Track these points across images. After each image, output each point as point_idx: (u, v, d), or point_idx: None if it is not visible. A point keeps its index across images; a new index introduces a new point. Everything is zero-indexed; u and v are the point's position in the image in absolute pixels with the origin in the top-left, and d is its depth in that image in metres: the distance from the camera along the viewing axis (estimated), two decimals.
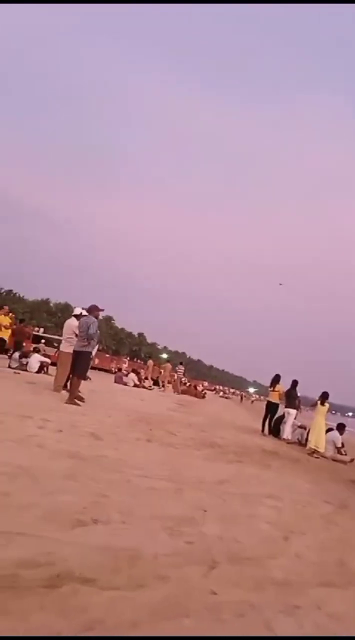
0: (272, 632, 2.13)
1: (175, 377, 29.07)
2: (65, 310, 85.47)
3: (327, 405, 11.68)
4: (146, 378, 25.70)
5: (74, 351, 9.72)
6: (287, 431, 12.75)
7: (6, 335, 14.81)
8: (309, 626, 2.27)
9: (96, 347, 10.69)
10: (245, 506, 4.27)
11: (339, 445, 11.61)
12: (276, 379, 13.73)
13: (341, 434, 12.03)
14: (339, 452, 11.46)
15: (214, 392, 71.29)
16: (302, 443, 12.29)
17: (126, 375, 23.04)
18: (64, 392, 9.97)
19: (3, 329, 14.20)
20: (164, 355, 47.59)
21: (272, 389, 13.76)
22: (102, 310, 10.03)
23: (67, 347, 10.42)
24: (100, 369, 31.62)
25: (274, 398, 13.61)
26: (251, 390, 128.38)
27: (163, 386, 26.59)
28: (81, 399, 9.21)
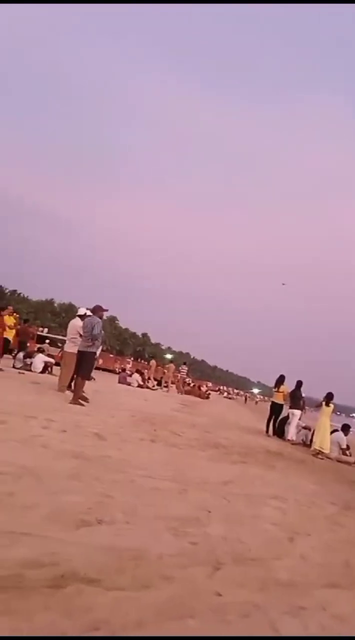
0: (278, 633, 2.12)
1: (179, 377, 29.06)
2: (69, 311, 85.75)
3: (331, 406, 11.64)
4: (149, 378, 25.70)
5: (78, 351, 9.72)
6: (291, 432, 12.72)
7: (10, 335, 14.83)
8: (314, 627, 2.26)
9: (100, 347, 10.69)
10: (249, 507, 4.26)
11: (344, 446, 11.58)
12: (281, 380, 13.69)
13: (346, 435, 12.00)
14: (344, 453, 11.43)
15: (218, 392, 71.29)
16: (306, 444, 12.26)
17: (130, 376, 23.06)
18: (68, 392, 9.98)
19: (7, 329, 14.21)
20: (168, 356, 47.60)
21: (276, 389, 13.72)
22: (107, 310, 10.03)
23: (71, 348, 10.43)
24: (104, 369, 31.70)
25: (278, 399, 13.57)
26: (255, 390, 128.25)
27: (167, 386, 26.58)
28: (85, 399, 9.22)
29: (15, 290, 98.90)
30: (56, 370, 14.91)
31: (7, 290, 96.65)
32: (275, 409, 13.57)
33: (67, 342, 11.07)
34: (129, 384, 21.46)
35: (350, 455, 11.40)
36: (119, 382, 21.72)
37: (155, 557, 2.61)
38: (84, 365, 9.58)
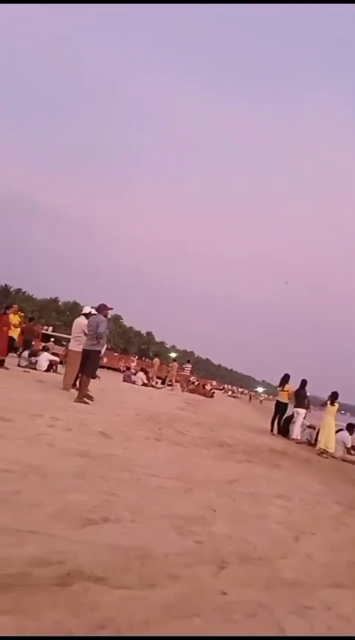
0: (283, 632, 2.12)
1: (183, 376, 29.11)
2: (73, 309, 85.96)
3: (336, 405, 11.62)
4: (152, 377, 25.72)
5: (83, 350, 9.74)
6: (296, 431, 12.71)
7: (15, 334, 14.86)
8: (319, 627, 2.26)
9: (105, 346, 10.70)
10: (254, 506, 4.26)
11: (349, 445, 11.57)
12: (285, 379, 13.68)
13: (351, 434, 11.98)
14: (349, 453, 11.42)
15: (223, 391, 71.22)
16: (311, 443, 12.24)
17: (134, 374, 23.08)
18: (73, 390, 10.01)
19: (12, 327, 14.24)
20: (172, 354, 47.60)
21: (281, 388, 13.72)
22: (111, 309, 10.05)
23: (76, 346, 10.45)
24: (108, 368, 31.73)
25: (283, 398, 13.57)
26: (260, 389, 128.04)
27: (171, 385, 26.60)
28: (90, 398, 9.24)
29: (20, 289, 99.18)
30: (61, 368, 14.95)
31: (12, 289, 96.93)
32: (280, 407, 13.57)
33: (71, 340, 11.09)
34: (134, 383, 21.49)
35: None
36: (124, 381, 21.76)
37: (161, 555, 2.61)
38: (89, 364, 9.60)
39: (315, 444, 11.56)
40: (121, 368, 33.45)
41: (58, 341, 28.13)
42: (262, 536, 3.43)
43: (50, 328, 43.36)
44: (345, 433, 11.88)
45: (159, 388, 23.42)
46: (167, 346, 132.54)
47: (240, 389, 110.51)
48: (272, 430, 13.37)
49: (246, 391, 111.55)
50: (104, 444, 5.39)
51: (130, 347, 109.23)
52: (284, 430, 13.18)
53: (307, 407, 13.06)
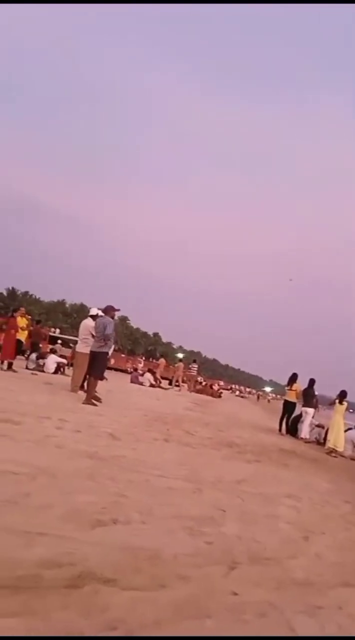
0: (294, 632, 2.12)
1: (190, 376, 29.07)
2: (80, 311, 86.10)
3: (345, 403, 11.58)
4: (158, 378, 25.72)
5: (90, 352, 9.77)
6: (304, 430, 12.68)
7: (23, 336, 14.93)
8: (330, 627, 2.25)
9: (112, 347, 10.72)
10: (264, 506, 4.25)
11: None
12: (293, 378, 13.64)
13: None
14: None
15: (230, 391, 71.15)
16: (320, 442, 12.21)
17: (142, 375, 23.09)
18: (81, 392, 10.03)
19: (20, 330, 14.31)
20: (180, 355, 47.58)
21: (289, 387, 13.68)
22: (118, 310, 10.06)
23: (83, 348, 10.48)
24: (116, 369, 31.78)
25: (291, 397, 13.53)
26: (267, 389, 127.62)
27: (177, 385, 26.59)
28: (98, 399, 9.26)
29: (27, 292, 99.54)
30: (69, 370, 15.00)
31: (19, 292, 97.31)
32: (288, 407, 13.53)
33: (79, 342, 11.12)
34: (141, 384, 21.50)
35: None
36: (131, 382, 21.77)
37: (171, 556, 2.61)
38: (96, 366, 9.62)
39: (324, 443, 11.53)
40: (128, 369, 33.48)
41: (65, 343, 28.15)
42: (271, 536, 3.42)
43: (58, 330, 43.38)
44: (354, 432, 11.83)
45: (166, 389, 23.42)
46: (174, 347, 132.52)
47: (247, 389, 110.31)
48: (280, 429, 13.34)
49: (254, 391, 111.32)
50: (113, 446, 5.40)
51: (137, 348, 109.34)
52: (293, 430, 13.15)
53: (315, 406, 13.02)
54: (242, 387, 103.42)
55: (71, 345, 24.97)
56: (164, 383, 25.71)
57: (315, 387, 13.16)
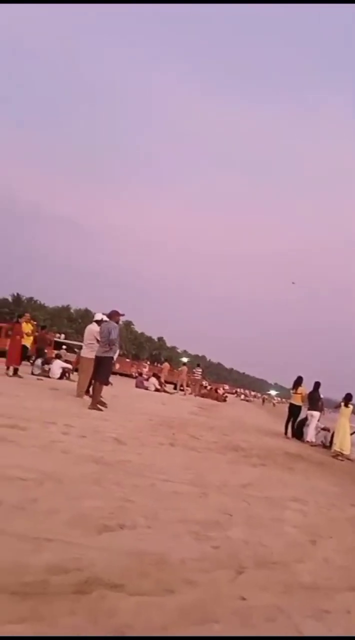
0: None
1: (194, 379, 29.05)
2: (85, 316, 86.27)
3: (351, 406, 11.55)
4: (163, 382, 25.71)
5: (96, 357, 9.77)
6: (310, 434, 12.63)
7: (28, 342, 14.97)
8: (338, 631, 2.25)
9: (117, 352, 10.74)
10: (270, 510, 4.24)
11: None
12: (298, 381, 13.61)
13: None
14: None
15: (235, 395, 71.04)
16: (326, 445, 12.16)
17: (147, 380, 23.09)
18: (86, 397, 10.04)
19: (25, 336, 14.35)
20: (184, 359, 47.57)
21: (294, 391, 13.65)
22: (123, 315, 10.08)
23: (88, 353, 10.49)
24: (121, 374, 31.78)
25: (296, 400, 13.50)
26: (273, 392, 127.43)
27: (182, 389, 26.57)
28: (103, 404, 9.27)
29: (32, 298, 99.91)
30: (74, 376, 15.01)
31: (24, 298, 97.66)
32: (294, 410, 13.49)
33: (84, 347, 11.13)
34: (146, 388, 21.50)
35: None
36: (136, 387, 21.77)
37: (178, 561, 2.61)
38: (101, 371, 9.63)
39: (330, 447, 11.48)
40: (133, 374, 33.50)
41: (70, 348, 28.19)
42: (278, 540, 3.41)
43: (63, 336, 43.50)
44: None
45: (171, 393, 23.40)
46: (179, 351, 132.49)
47: (252, 393, 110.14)
48: (286, 433, 13.30)
49: (259, 394, 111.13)
50: (118, 450, 5.41)
51: (141, 353, 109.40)
52: (298, 433, 13.11)
53: (321, 410, 12.98)
54: (247, 391, 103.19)
55: (76, 350, 25.03)
56: (169, 387, 25.69)
57: (321, 390, 13.12)
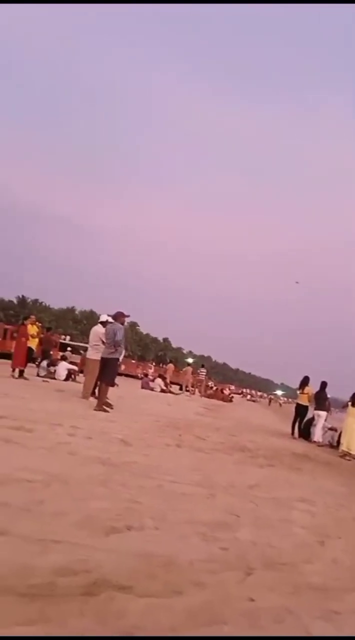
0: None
1: (200, 381, 29.06)
2: (90, 318, 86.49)
3: None
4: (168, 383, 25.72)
5: (101, 358, 9.79)
6: (317, 434, 12.59)
7: (34, 344, 15.03)
8: (348, 632, 2.23)
9: (123, 353, 10.75)
10: (278, 510, 4.22)
11: None
12: (305, 381, 13.57)
13: None
14: None
15: (241, 395, 70.99)
16: (333, 445, 12.11)
17: (152, 381, 23.10)
18: (92, 399, 10.05)
19: (30, 338, 14.40)
20: (190, 360, 47.57)
21: (301, 391, 13.61)
22: (128, 316, 10.08)
23: (94, 354, 10.50)
24: (126, 375, 31.83)
25: (303, 400, 13.46)
26: (279, 392, 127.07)
27: (187, 390, 26.57)
28: (109, 406, 9.27)
29: (37, 299, 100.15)
30: (80, 377, 15.04)
31: (29, 300, 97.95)
32: (300, 410, 13.45)
33: (89, 349, 11.15)
34: (152, 389, 21.51)
35: None
36: (142, 388, 21.79)
37: (186, 563, 2.60)
38: (107, 372, 9.64)
39: (337, 447, 11.43)
40: (139, 375, 33.55)
41: (75, 350, 28.27)
42: (286, 541, 3.40)
43: (68, 337, 43.61)
44: None
45: (177, 394, 23.40)
46: (184, 352, 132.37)
47: (259, 393, 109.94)
48: (293, 433, 13.26)
49: (265, 395, 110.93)
50: (125, 452, 5.40)
51: (147, 354, 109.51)
52: (305, 433, 13.07)
53: (328, 409, 12.94)
54: (253, 391, 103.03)
55: (81, 352, 25.10)
56: (174, 388, 25.69)
57: (328, 389, 13.08)
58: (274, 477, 5.88)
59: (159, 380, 22.92)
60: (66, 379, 16.00)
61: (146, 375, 27.67)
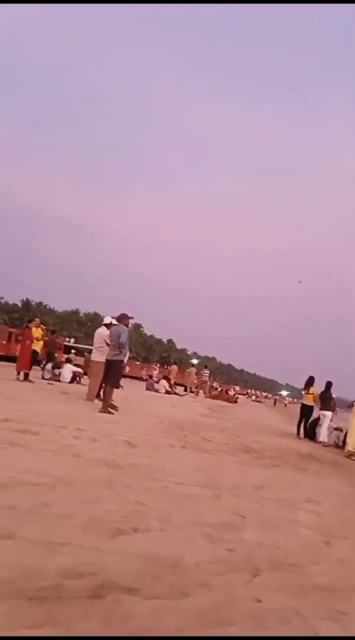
0: None
1: (204, 382, 29.04)
2: (94, 320, 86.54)
3: None
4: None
5: (106, 360, 9.81)
6: (323, 434, 12.57)
7: (38, 347, 15.07)
8: None
9: (127, 355, 10.78)
10: (283, 511, 4.22)
11: None
12: (310, 381, 13.55)
13: None
14: None
15: (246, 396, 70.86)
16: (339, 445, 12.09)
17: (157, 382, 23.12)
18: (97, 401, 10.07)
19: (35, 341, 14.44)
20: (194, 361, 47.56)
21: (306, 391, 13.59)
22: (132, 318, 10.10)
23: (98, 357, 10.53)
24: (131, 377, 31.84)
25: (308, 400, 13.44)
26: (284, 393, 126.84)
27: (192, 391, 26.57)
28: (114, 408, 9.29)
29: (41, 302, 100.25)
30: (85, 379, 15.07)
31: (34, 303, 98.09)
32: (306, 411, 13.44)
33: (94, 351, 11.18)
34: (157, 391, 21.53)
35: None
36: (147, 389, 21.82)
37: (192, 564, 2.60)
38: (112, 374, 9.66)
39: (343, 447, 11.40)
40: (144, 376, 33.56)
41: (79, 352, 28.32)
42: (293, 542, 3.39)
43: (72, 340, 43.70)
44: None
45: (181, 395, 23.41)
46: (189, 353, 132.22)
47: (264, 393, 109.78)
48: (298, 433, 13.24)
49: (270, 395, 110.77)
50: (130, 453, 5.41)
51: (151, 356, 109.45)
52: (311, 434, 13.05)
53: (333, 409, 12.91)
54: (258, 392, 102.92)
55: (86, 354, 25.13)
56: (179, 389, 25.70)
57: (333, 389, 13.05)
58: (280, 478, 5.87)
59: (163, 382, 22.93)
60: (71, 382, 16.05)
61: (151, 376, 27.68)
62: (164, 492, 4.04)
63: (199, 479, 4.75)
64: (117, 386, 10.32)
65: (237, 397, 37.71)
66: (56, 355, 18.36)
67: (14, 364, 14.58)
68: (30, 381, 13.24)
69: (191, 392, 26.45)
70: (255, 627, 2.08)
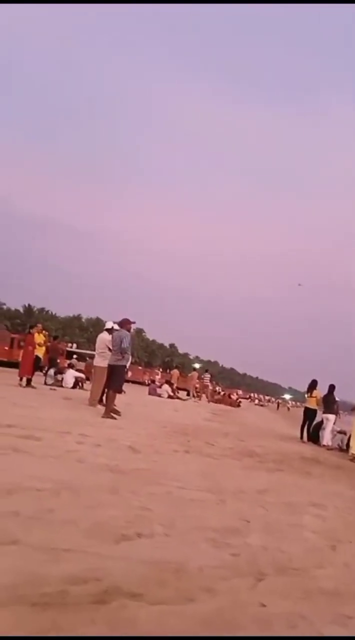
0: None
1: (207, 386, 29.01)
2: (96, 325, 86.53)
3: None
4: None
5: (108, 365, 9.81)
6: (326, 437, 12.53)
7: (41, 352, 15.08)
8: None
9: (130, 360, 10.78)
10: (288, 515, 4.20)
11: None
12: (313, 385, 13.53)
13: None
14: None
15: (249, 400, 70.74)
16: (342, 449, 12.05)
17: (160, 387, 23.10)
18: (99, 406, 10.06)
19: (37, 346, 14.46)
20: (197, 365, 47.46)
21: (309, 394, 13.56)
22: (134, 323, 10.10)
23: (101, 362, 10.53)
24: (133, 382, 31.83)
25: (311, 404, 13.41)
26: (287, 396, 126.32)
27: (194, 395, 26.54)
28: (117, 413, 9.27)
29: (43, 308, 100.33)
30: (87, 385, 15.07)
31: (36, 308, 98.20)
32: (309, 414, 13.41)
33: (96, 356, 11.18)
34: (159, 395, 21.51)
35: None
36: (149, 394, 21.80)
37: (197, 569, 2.59)
38: (115, 379, 9.66)
39: (347, 450, 11.36)
40: (146, 381, 33.56)
41: (81, 358, 28.33)
42: (298, 546, 3.38)
43: (75, 345, 43.69)
44: None
45: (184, 399, 23.38)
46: (191, 357, 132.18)
47: (266, 397, 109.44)
48: (301, 437, 13.20)
49: (273, 399, 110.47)
50: (134, 459, 5.40)
51: (154, 360, 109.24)
52: (314, 437, 13.00)
53: (336, 413, 12.88)
54: (261, 396, 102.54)
55: (88, 359, 25.15)
56: (181, 394, 25.67)
57: (336, 392, 13.02)
58: (284, 482, 5.85)
59: (166, 387, 22.91)
60: (74, 387, 16.05)
61: (153, 381, 27.71)
62: (167, 497, 4.03)
63: (203, 484, 4.74)
64: (120, 391, 10.32)
65: (240, 401, 37.66)
66: (58, 360, 18.37)
67: (17, 370, 14.58)
68: (33, 387, 13.24)
69: (193, 396, 26.40)
70: (261, 632, 2.07)
